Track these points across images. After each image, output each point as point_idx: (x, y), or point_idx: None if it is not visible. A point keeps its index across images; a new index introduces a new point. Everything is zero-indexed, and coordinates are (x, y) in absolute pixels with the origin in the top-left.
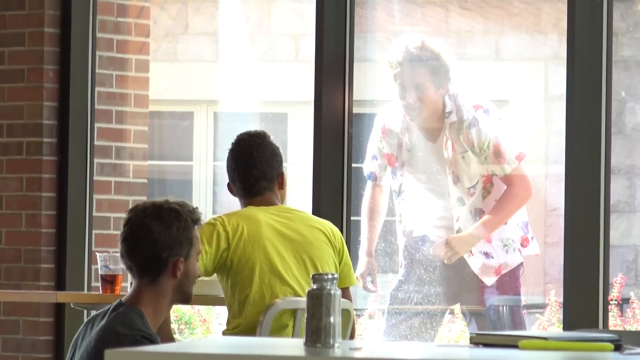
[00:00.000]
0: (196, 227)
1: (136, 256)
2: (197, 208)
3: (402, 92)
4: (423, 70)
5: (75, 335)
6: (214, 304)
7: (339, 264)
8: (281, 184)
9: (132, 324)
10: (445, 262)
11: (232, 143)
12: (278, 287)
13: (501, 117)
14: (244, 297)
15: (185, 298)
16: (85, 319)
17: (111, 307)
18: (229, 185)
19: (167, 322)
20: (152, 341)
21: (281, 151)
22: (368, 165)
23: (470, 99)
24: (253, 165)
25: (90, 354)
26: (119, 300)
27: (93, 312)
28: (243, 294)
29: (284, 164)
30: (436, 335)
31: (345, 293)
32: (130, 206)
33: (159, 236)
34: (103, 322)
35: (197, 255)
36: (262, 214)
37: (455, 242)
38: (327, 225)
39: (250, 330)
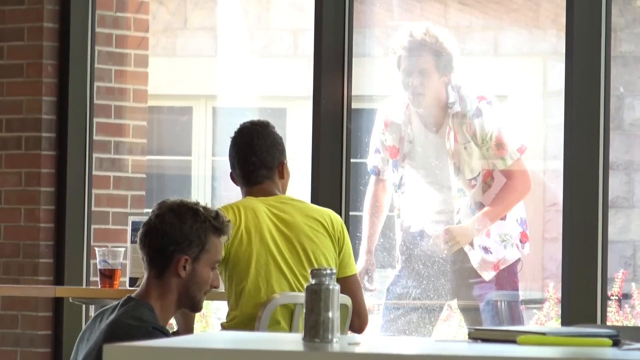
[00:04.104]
0: (220, 236)
1: (146, 246)
2: (228, 221)
3: (406, 77)
4: (427, 56)
5: (83, 329)
6: (212, 299)
7: (339, 253)
8: (282, 174)
9: (142, 317)
10: (445, 252)
11: (235, 131)
12: (274, 278)
13: (503, 109)
14: (240, 289)
15: (192, 304)
16: (84, 314)
17: (121, 302)
18: (231, 175)
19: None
20: (164, 333)
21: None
22: (371, 159)
23: (474, 90)
24: (253, 153)
25: (100, 347)
26: (128, 295)
27: (92, 307)
28: (239, 286)
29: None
30: (434, 330)
31: (347, 282)
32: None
33: (169, 228)
34: (112, 316)
35: (211, 263)
36: (260, 204)
37: (456, 232)
38: (326, 214)
39: (245, 322)
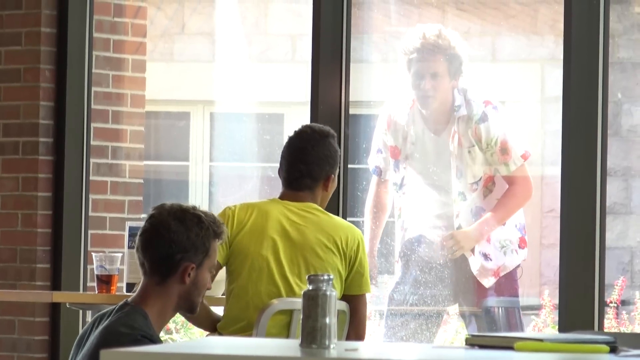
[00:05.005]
0: (218, 240)
1: (150, 252)
2: (222, 223)
3: (417, 79)
4: (440, 60)
5: (80, 333)
6: (209, 305)
7: (349, 272)
8: (326, 186)
9: (134, 324)
10: (448, 257)
11: (294, 131)
12: (263, 285)
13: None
14: (230, 290)
15: (191, 307)
16: (81, 319)
17: (117, 307)
18: (279, 170)
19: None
20: (152, 341)
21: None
22: (373, 159)
23: (480, 94)
24: (302, 161)
25: (92, 352)
26: (125, 300)
27: (89, 312)
28: (230, 286)
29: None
30: (435, 337)
31: (354, 299)
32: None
33: (177, 236)
34: (107, 321)
35: (211, 267)
36: (278, 209)
37: (460, 236)
38: (344, 232)
39: (229, 323)
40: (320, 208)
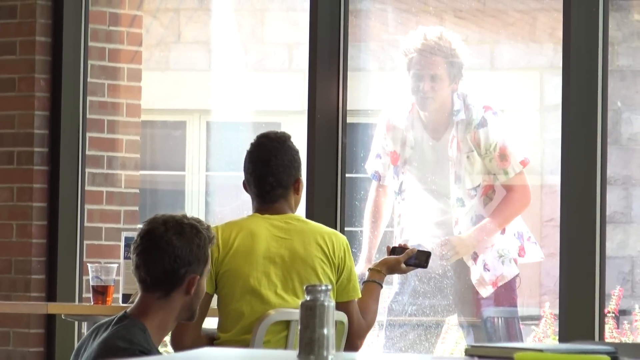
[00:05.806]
0: (211, 245)
1: (154, 269)
2: (210, 226)
3: (416, 80)
4: (440, 61)
5: (79, 344)
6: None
7: (338, 278)
8: (297, 190)
9: (133, 339)
10: (443, 262)
11: (251, 144)
12: (259, 305)
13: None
14: (226, 312)
15: (191, 316)
16: (76, 331)
17: (115, 319)
18: (244, 183)
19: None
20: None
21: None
22: (372, 164)
23: (480, 99)
24: (270, 173)
25: None
26: (124, 311)
27: (85, 324)
28: (225, 309)
29: None
30: (435, 347)
31: (344, 307)
32: (148, 217)
33: (180, 251)
34: (105, 334)
35: (208, 273)
36: (263, 225)
37: (456, 242)
38: (329, 237)
39: (226, 344)
40: (301, 217)
